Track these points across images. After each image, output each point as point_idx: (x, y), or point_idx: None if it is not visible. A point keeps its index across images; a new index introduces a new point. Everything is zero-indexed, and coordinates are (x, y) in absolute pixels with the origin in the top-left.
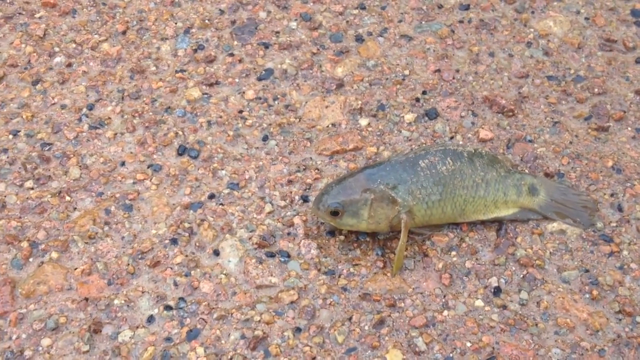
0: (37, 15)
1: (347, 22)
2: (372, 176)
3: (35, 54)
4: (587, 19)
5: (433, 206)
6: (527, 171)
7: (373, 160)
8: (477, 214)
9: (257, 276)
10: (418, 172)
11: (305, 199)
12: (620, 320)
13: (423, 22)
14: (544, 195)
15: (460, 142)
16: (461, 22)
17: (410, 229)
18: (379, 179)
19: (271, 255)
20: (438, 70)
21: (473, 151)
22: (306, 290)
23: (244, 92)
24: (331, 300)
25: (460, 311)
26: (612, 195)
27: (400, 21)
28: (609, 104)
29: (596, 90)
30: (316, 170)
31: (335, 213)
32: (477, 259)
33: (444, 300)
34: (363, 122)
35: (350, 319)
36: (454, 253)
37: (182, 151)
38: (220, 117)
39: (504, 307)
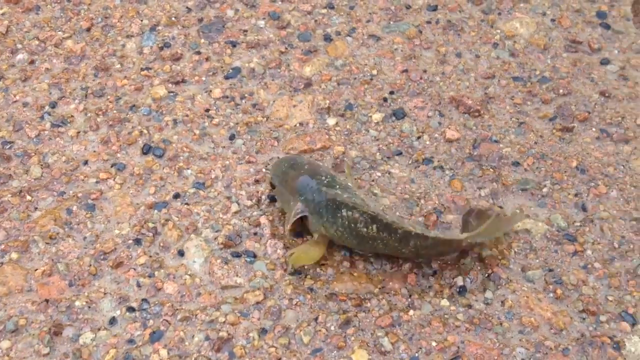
0: (0, 12)
1: (316, 21)
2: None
3: None
4: (553, 20)
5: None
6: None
7: (340, 160)
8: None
9: (222, 276)
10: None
11: (272, 199)
12: (584, 319)
13: (391, 23)
14: None
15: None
16: (429, 22)
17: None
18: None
19: (237, 255)
20: (406, 71)
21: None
22: (272, 290)
23: (210, 91)
24: (297, 300)
25: (425, 311)
26: (576, 195)
27: (368, 21)
28: (573, 104)
29: (561, 91)
30: None
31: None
32: (442, 258)
33: (409, 299)
34: (331, 121)
35: (316, 319)
36: None
37: (146, 150)
38: (187, 115)
39: (469, 306)
